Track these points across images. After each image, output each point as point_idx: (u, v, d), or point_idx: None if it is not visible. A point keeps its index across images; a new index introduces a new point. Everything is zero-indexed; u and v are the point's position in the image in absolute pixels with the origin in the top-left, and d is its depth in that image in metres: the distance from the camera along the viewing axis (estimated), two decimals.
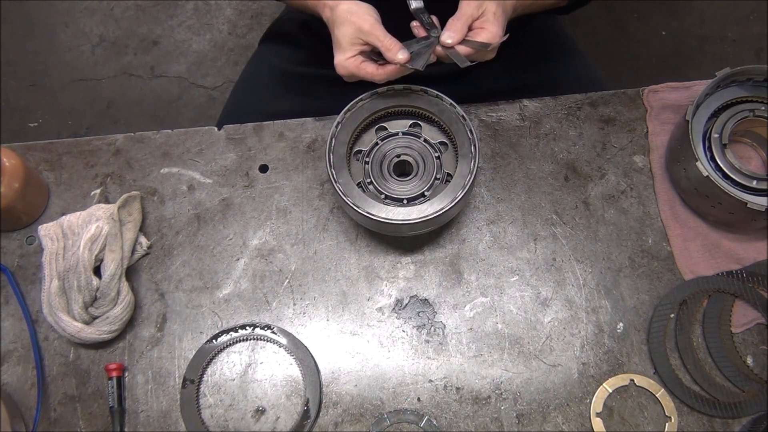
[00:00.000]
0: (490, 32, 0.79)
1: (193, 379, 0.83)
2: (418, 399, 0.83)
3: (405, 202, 0.83)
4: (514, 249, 0.90)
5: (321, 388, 0.83)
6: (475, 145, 0.81)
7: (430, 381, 0.84)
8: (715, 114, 0.89)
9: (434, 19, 0.82)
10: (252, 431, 0.82)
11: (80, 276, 0.81)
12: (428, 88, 0.85)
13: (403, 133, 0.87)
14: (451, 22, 0.80)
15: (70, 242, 0.84)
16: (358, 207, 0.79)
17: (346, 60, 0.80)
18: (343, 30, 0.80)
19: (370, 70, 0.80)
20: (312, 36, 1.12)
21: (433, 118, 0.86)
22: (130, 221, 0.88)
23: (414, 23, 0.82)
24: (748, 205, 0.80)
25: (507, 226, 0.91)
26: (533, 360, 0.84)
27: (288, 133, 0.96)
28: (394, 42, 0.78)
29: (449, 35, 0.79)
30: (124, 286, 0.84)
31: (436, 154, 0.86)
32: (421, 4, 0.81)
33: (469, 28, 0.81)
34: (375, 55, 0.81)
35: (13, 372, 0.85)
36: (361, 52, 0.81)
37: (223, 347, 0.85)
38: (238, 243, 0.90)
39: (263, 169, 0.94)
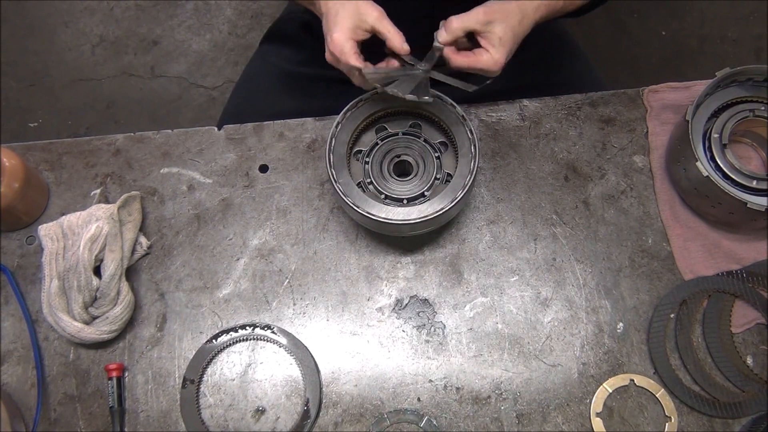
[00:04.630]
0: (492, 58, 0.78)
1: (193, 379, 0.83)
2: (418, 399, 0.83)
3: (405, 202, 0.83)
4: (514, 249, 0.90)
5: (321, 388, 0.83)
6: (475, 145, 0.81)
7: (430, 381, 0.84)
8: (715, 114, 0.89)
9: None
10: (252, 431, 0.82)
11: (80, 276, 0.81)
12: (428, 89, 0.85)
13: (403, 133, 0.87)
14: (450, 20, 0.79)
15: (70, 242, 0.84)
16: (358, 207, 0.79)
17: (347, 40, 0.77)
18: (348, 11, 0.78)
19: (360, 63, 0.78)
20: (312, 36, 1.12)
21: (433, 118, 0.86)
22: (130, 221, 0.88)
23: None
24: (748, 205, 0.80)
25: (507, 226, 0.91)
26: (533, 360, 0.84)
27: (288, 133, 0.96)
28: (398, 31, 0.78)
29: (442, 33, 0.78)
30: (124, 286, 0.84)
31: (436, 154, 0.86)
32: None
33: (475, 43, 0.80)
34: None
35: (13, 372, 0.85)
36: (358, 41, 0.79)
37: (223, 347, 0.85)
38: (238, 243, 0.90)
39: (263, 169, 0.94)
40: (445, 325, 0.86)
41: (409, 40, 0.80)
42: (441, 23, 0.80)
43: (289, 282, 0.89)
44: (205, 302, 0.88)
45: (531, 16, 0.83)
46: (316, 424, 0.82)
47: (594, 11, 1.00)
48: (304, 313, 0.87)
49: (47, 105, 2.05)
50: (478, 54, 0.79)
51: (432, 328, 0.86)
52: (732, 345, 0.84)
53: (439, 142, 0.86)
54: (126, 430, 0.82)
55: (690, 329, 0.85)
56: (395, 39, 0.77)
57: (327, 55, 0.82)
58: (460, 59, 0.80)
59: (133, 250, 0.88)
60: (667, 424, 0.81)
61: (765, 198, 0.83)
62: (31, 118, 2.04)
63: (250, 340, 0.86)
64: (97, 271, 0.83)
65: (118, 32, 2.13)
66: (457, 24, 0.78)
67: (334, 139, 0.83)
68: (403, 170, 0.87)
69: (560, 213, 0.91)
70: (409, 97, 0.77)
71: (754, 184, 0.84)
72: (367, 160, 0.85)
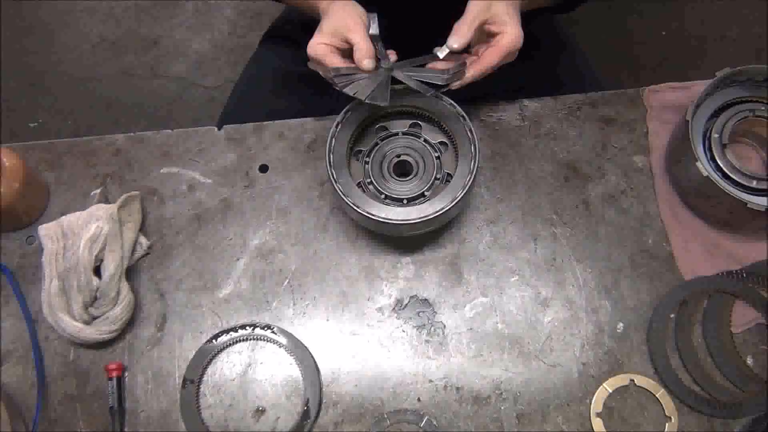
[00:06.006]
0: (512, 35, 0.78)
1: (193, 379, 0.83)
2: (418, 399, 0.83)
3: (405, 202, 0.83)
4: (514, 249, 0.90)
5: (321, 388, 0.83)
6: (475, 145, 0.81)
7: (430, 381, 0.84)
8: (715, 114, 0.89)
9: (391, 54, 0.82)
10: (252, 431, 0.82)
11: (80, 276, 0.81)
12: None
13: (403, 133, 0.87)
14: (456, 26, 0.79)
15: (70, 242, 0.84)
16: (358, 207, 0.79)
17: (318, 44, 0.80)
18: (330, 20, 0.81)
19: (335, 61, 0.80)
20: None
21: (433, 118, 0.86)
22: (130, 221, 0.88)
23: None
24: (748, 205, 0.80)
25: (507, 226, 0.91)
26: (533, 360, 0.84)
27: (288, 133, 0.96)
28: (368, 47, 0.78)
29: (455, 39, 0.78)
30: (124, 286, 0.84)
31: (436, 154, 0.86)
32: (376, 32, 0.81)
33: (487, 33, 0.80)
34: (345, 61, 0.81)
35: (13, 372, 0.85)
36: (336, 47, 0.81)
37: (223, 347, 0.85)
38: (238, 243, 0.90)
39: (263, 169, 0.94)
40: (445, 325, 0.86)
41: (407, 43, 0.81)
42: (438, 48, 0.80)
43: (289, 282, 0.89)
44: (205, 302, 0.88)
45: None
46: (316, 424, 0.82)
47: (590, 9, 1.00)
48: (304, 313, 0.87)
49: (47, 105, 2.05)
50: (499, 40, 0.79)
51: (432, 328, 0.86)
52: (732, 345, 0.84)
53: (439, 142, 0.86)
54: (126, 430, 0.82)
55: (690, 329, 0.85)
56: (359, 52, 0.78)
57: (309, 63, 0.84)
58: (487, 59, 0.79)
59: (133, 250, 0.88)
60: (667, 424, 0.81)
61: (765, 198, 0.83)
62: (31, 118, 2.04)
63: (250, 340, 0.86)
64: (97, 271, 0.83)
65: (118, 32, 2.13)
66: (463, 27, 0.78)
67: (334, 139, 0.83)
68: (403, 170, 0.87)
69: (560, 213, 0.91)
70: (367, 100, 0.78)
71: (754, 184, 0.84)
72: (367, 160, 0.85)
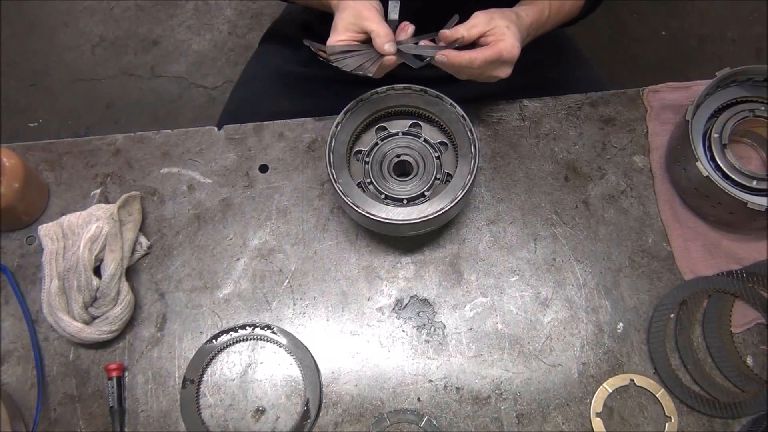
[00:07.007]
0: (508, 42, 0.79)
1: (193, 379, 0.83)
2: (418, 399, 0.83)
3: (405, 202, 0.83)
4: (514, 249, 0.90)
5: (321, 388, 0.83)
6: (475, 145, 0.81)
7: (430, 381, 0.84)
8: (715, 114, 0.89)
9: (408, 26, 0.81)
10: (252, 431, 0.82)
11: (80, 276, 0.81)
12: (428, 88, 0.85)
13: (403, 133, 0.87)
14: (456, 29, 0.80)
15: (70, 242, 0.84)
16: (358, 207, 0.79)
17: (336, 42, 0.80)
18: (343, 15, 0.80)
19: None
20: (312, 36, 1.12)
21: (433, 118, 0.86)
22: (130, 221, 0.88)
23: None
24: (748, 205, 0.80)
25: (507, 226, 0.91)
26: (533, 360, 0.84)
27: (288, 133, 0.96)
28: (387, 31, 0.78)
29: (449, 31, 0.78)
30: (124, 286, 0.84)
31: (436, 154, 0.86)
32: (396, 17, 0.80)
33: (482, 43, 0.81)
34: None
35: (13, 372, 0.85)
36: (354, 41, 0.80)
37: (223, 347, 0.85)
38: (238, 243, 0.91)
39: (263, 169, 0.94)
40: (445, 325, 0.86)
41: (434, 26, 0.81)
42: (443, 33, 0.79)
43: (289, 282, 0.89)
44: (205, 302, 0.88)
45: (524, 16, 0.85)
46: (316, 424, 0.82)
47: (590, 15, 1.01)
48: (304, 313, 0.87)
49: (47, 105, 2.05)
50: (495, 43, 0.79)
51: (432, 328, 0.86)
52: (732, 345, 0.84)
53: (439, 142, 0.86)
54: (126, 430, 0.82)
55: (690, 329, 0.85)
56: (379, 39, 0.77)
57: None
58: (478, 52, 0.79)
59: (133, 250, 0.88)
60: (667, 424, 0.81)
61: (765, 198, 0.83)
62: (31, 118, 2.04)
63: (250, 340, 0.86)
64: (97, 271, 0.83)
65: (118, 32, 2.13)
66: (461, 28, 0.79)
67: (334, 139, 0.83)
68: (403, 170, 0.87)
69: (560, 213, 0.91)
70: (355, 71, 0.77)
71: (754, 184, 0.84)
72: (367, 160, 0.85)
